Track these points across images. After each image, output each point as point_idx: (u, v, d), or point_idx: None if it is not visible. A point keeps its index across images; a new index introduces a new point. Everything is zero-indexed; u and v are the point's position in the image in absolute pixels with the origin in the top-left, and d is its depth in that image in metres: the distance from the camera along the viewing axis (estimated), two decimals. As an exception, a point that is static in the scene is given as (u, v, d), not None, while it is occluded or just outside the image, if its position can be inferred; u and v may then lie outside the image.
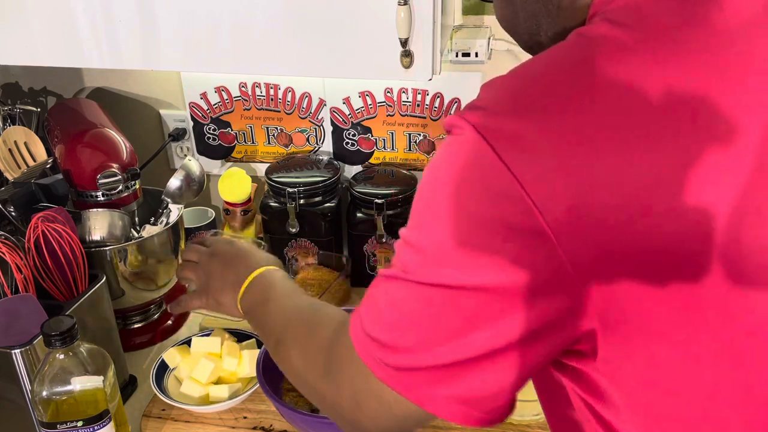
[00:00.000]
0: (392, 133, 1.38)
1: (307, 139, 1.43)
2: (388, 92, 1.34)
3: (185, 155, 1.46)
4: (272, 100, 1.39)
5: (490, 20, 1.23)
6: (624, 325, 0.51)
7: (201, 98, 1.41)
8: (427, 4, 0.88)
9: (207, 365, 1.05)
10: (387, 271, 0.58)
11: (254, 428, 1.03)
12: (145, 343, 1.23)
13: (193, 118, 1.44)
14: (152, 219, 1.21)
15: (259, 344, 1.12)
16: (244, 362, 1.08)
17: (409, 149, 1.39)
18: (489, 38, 1.20)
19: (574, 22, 0.59)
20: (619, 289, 0.50)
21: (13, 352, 0.89)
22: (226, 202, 1.38)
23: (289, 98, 1.38)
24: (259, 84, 1.38)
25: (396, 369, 0.56)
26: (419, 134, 1.37)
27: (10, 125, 1.19)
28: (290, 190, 1.29)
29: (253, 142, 1.45)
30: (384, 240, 1.30)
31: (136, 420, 1.05)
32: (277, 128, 1.42)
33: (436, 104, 1.33)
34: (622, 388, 0.55)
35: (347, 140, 1.41)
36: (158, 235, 1.15)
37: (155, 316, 1.27)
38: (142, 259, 1.14)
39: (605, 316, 0.51)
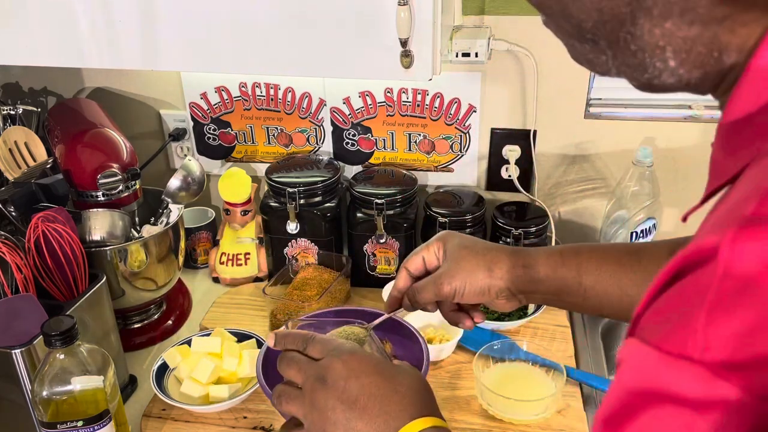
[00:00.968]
0: (392, 133, 1.38)
1: (307, 139, 1.43)
2: (388, 92, 1.34)
3: (185, 155, 1.46)
4: (272, 100, 1.39)
5: (490, 20, 1.23)
6: None
7: (201, 98, 1.41)
8: (427, 4, 0.88)
9: (207, 365, 1.05)
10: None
11: (254, 428, 1.03)
12: (145, 343, 1.23)
13: (193, 118, 1.44)
14: (152, 219, 1.21)
15: (259, 344, 1.12)
16: (244, 362, 1.08)
17: (409, 149, 1.39)
18: (489, 38, 1.20)
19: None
20: None
21: (13, 352, 0.89)
22: (226, 202, 1.38)
23: (289, 98, 1.38)
24: (259, 84, 1.38)
25: None
26: (419, 134, 1.37)
27: (10, 125, 1.19)
28: (290, 190, 1.29)
29: (253, 142, 1.45)
30: (384, 240, 1.30)
31: (136, 420, 1.05)
32: (277, 128, 1.42)
33: (436, 104, 1.33)
34: None
35: (347, 140, 1.41)
36: (158, 235, 1.15)
37: (155, 316, 1.27)
38: (142, 259, 1.14)
39: None
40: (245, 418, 1.05)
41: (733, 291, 0.34)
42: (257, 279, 1.42)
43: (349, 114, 1.38)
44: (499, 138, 1.34)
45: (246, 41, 0.96)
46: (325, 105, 1.38)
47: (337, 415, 0.62)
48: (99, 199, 1.18)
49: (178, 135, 1.45)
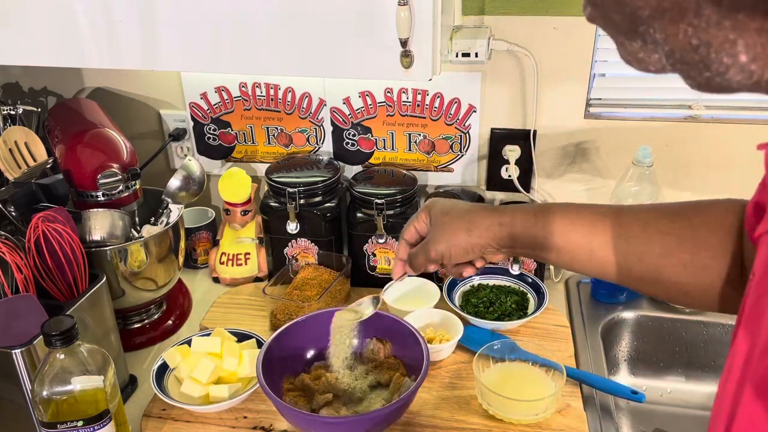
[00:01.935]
0: (392, 133, 1.38)
1: (307, 139, 1.43)
2: (388, 92, 1.34)
3: (185, 155, 1.46)
4: (272, 100, 1.39)
5: (490, 20, 1.23)
6: None
7: (201, 98, 1.41)
8: (427, 4, 0.88)
9: (207, 365, 1.05)
10: None
11: (254, 428, 1.03)
12: (145, 343, 1.23)
13: (193, 118, 1.44)
14: (152, 219, 1.21)
15: (259, 344, 1.12)
16: (244, 362, 1.08)
17: (409, 149, 1.39)
18: (489, 38, 1.20)
19: None
20: None
21: (13, 352, 0.89)
22: (226, 202, 1.38)
23: (289, 98, 1.38)
24: (259, 84, 1.38)
25: None
26: (419, 134, 1.37)
27: (10, 125, 1.19)
28: (290, 190, 1.29)
29: (253, 142, 1.45)
30: (384, 240, 1.30)
31: (136, 420, 1.05)
32: (277, 128, 1.42)
33: (436, 104, 1.33)
34: None
35: (347, 140, 1.41)
36: (158, 235, 1.15)
37: (155, 316, 1.27)
38: (142, 259, 1.14)
39: None
40: (245, 418, 1.05)
41: None
42: (257, 279, 1.42)
43: (349, 114, 1.38)
44: (499, 138, 1.34)
45: (246, 41, 0.96)
46: (325, 105, 1.38)
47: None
48: (99, 199, 1.18)
49: (178, 135, 1.45)
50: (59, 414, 0.86)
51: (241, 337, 1.14)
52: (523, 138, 1.32)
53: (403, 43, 0.90)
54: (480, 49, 1.18)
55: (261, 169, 1.46)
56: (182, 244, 1.24)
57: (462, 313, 1.20)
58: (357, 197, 1.30)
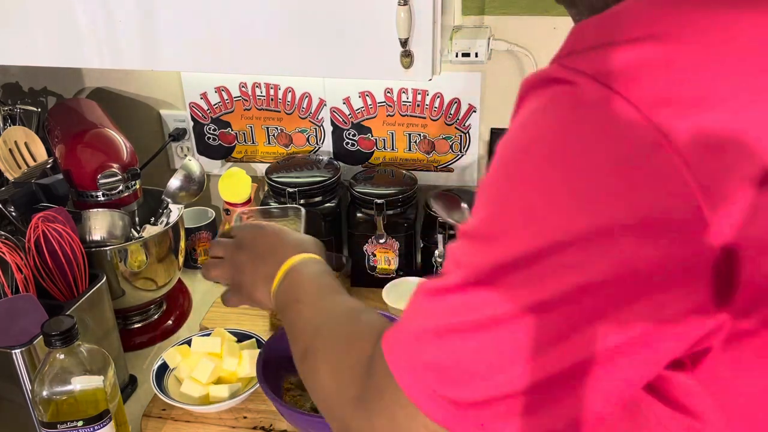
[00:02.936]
0: (392, 133, 1.38)
1: (307, 139, 1.43)
2: (388, 92, 1.34)
3: (185, 155, 1.46)
4: (272, 100, 1.39)
5: (490, 20, 1.23)
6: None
7: (201, 98, 1.41)
8: (427, 4, 0.88)
9: (207, 365, 1.05)
10: (436, 282, 0.48)
11: (254, 428, 1.03)
12: (145, 343, 1.23)
13: (193, 118, 1.44)
14: (152, 219, 1.21)
15: (259, 344, 1.12)
16: (244, 362, 1.08)
17: (409, 149, 1.39)
18: (489, 38, 1.20)
19: None
20: None
21: (13, 352, 0.89)
22: (226, 202, 1.38)
23: (289, 98, 1.38)
24: (259, 84, 1.38)
25: (457, 404, 0.46)
26: (419, 134, 1.37)
27: (10, 125, 1.19)
28: (290, 190, 1.29)
29: (253, 142, 1.45)
30: (384, 240, 1.30)
31: (136, 420, 1.05)
32: (277, 128, 1.42)
33: (436, 104, 1.33)
34: (725, 409, 0.46)
35: (347, 140, 1.41)
36: (158, 235, 1.15)
37: (155, 316, 1.27)
38: (142, 259, 1.14)
39: (747, 306, 0.41)
40: (245, 418, 1.05)
41: None
42: (257, 279, 1.42)
43: (349, 114, 1.38)
44: (499, 138, 1.34)
45: (246, 41, 0.96)
46: (325, 105, 1.38)
47: (247, 265, 0.84)
48: (99, 199, 1.18)
49: (178, 135, 1.45)
50: (59, 414, 0.86)
51: (241, 337, 1.14)
52: (523, 138, 1.32)
53: (403, 43, 0.90)
54: (480, 49, 1.18)
55: (261, 169, 1.46)
56: (182, 244, 1.24)
57: (462, 313, 1.20)
58: (357, 197, 1.30)
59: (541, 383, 0.44)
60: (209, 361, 1.06)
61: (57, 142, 1.20)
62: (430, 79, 0.94)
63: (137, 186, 1.21)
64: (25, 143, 1.16)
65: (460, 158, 1.38)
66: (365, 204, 1.29)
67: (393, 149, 1.40)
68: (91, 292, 1.01)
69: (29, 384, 0.90)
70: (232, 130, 1.44)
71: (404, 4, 0.87)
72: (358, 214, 1.31)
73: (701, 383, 0.46)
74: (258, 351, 1.05)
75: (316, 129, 1.41)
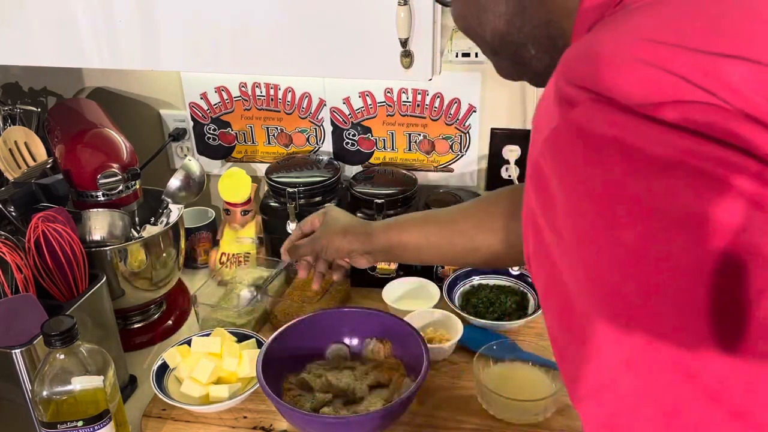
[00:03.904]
0: (392, 133, 1.38)
1: (307, 139, 1.43)
2: (388, 92, 1.34)
3: (185, 155, 1.47)
4: (272, 100, 1.39)
5: (490, 20, 1.23)
6: None
7: (201, 98, 1.41)
8: (427, 4, 0.88)
9: (207, 365, 1.05)
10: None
11: (254, 428, 1.03)
12: (145, 343, 1.23)
13: (193, 118, 1.44)
14: (152, 219, 1.21)
15: (259, 344, 1.12)
16: (244, 362, 1.08)
17: (409, 149, 1.39)
18: (489, 38, 1.20)
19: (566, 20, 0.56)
20: None
21: (13, 352, 0.89)
22: (226, 202, 1.38)
23: (289, 98, 1.38)
24: (259, 84, 1.38)
25: None
26: (419, 134, 1.37)
27: (10, 125, 1.19)
28: (290, 190, 1.29)
29: (253, 142, 1.45)
30: (384, 240, 1.30)
31: (136, 420, 1.05)
32: (277, 128, 1.42)
33: (436, 104, 1.33)
34: None
35: (347, 140, 1.41)
36: (158, 235, 1.15)
37: (155, 316, 1.27)
38: (142, 259, 1.14)
39: None
40: (245, 418, 1.05)
41: None
42: (257, 279, 1.42)
43: (349, 114, 1.38)
44: (499, 138, 1.34)
45: (246, 41, 0.96)
46: (325, 105, 1.38)
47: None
48: (99, 199, 1.18)
49: (178, 135, 1.45)
50: (59, 414, 0.86)
51: (241, 337, 1.14)
52: (523, 138, 1.32)
53: (403, 43, 0.90)
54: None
55: (261, 169, 1.46)
56: (182, 244, 1.24)
57: (462, 313, 1.20)
58: (357, 197, 1.30)
59: None
60: (209, 361, 1.06)
61: (57, 142, 1.20)
62: (430, 79, 0.94)
63: (137, 186, 1.21)
64: (25, 143, 1.16)
65: (460, 158, 1.38)
66: (365, 204, 1.29)
67: (393, 149, 1.40)
68: (91, 292, 1.01)
69: (29, 384, 0.90)
70: (232, 130, 1.44)
71: (404, 4, 0.87)
72: (358, 214, 1.31)
73: None
74: (258, 351, 1.05)
75: (316, 129, 1.41)
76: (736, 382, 0.39)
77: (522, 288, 1.28)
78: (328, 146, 1.43)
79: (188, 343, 1.12)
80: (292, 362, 1.06)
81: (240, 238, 1.40)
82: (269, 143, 1.44)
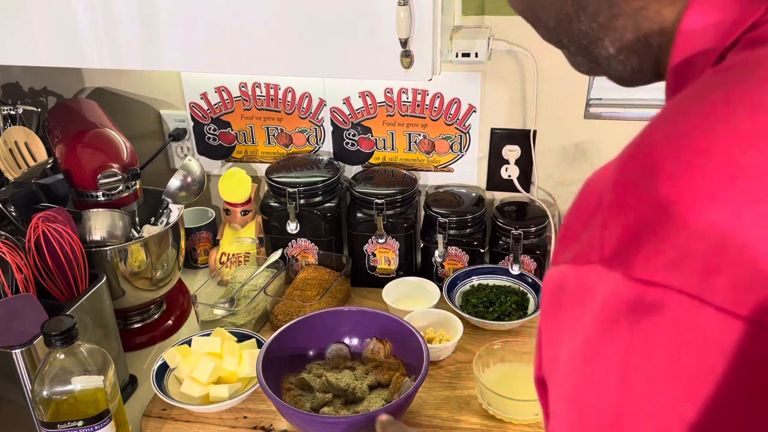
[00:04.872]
0: (392, 133, 1.38)
1: (307, 139, 1.43)
2: (388, 92, 1.34)
3: (185, 155, 1.46)
4: (272, 100, 1.39)
5: (490, 20, 1.23)
6: None
7: (201, 98, 1.41)
8: (427, 4, 0.88)
9: (207, 365, 1.05)
10: None
11: (254, 428, 1.03)
12: (145, 343, 1.23)
13: (193, 118, 1.44)
14: (152, 219, 1.21)
15: (259, 344, 1.12)
16: (244, 362, 1.08)
17: (409, 149, 1.39)
18: (489, 38, 1.20)
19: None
20: None
21: (13, 352, 0.89)
22: (226, 202, 1.38)
23: (289, 98, 1.38)
24: (259, 84, 1.38)
25: None
26: (419, 134, 1.37)
27: (10, 125, 1.19)
28: (290, 190, 1.29)
29: (253, 142, 1.45)
30: (384, 240, 1.30)
31: (137, 420, 1.05)
32: (277, 128, 1.42)
33: (436, 104, 1.33)
34: None
35: (347, 140, 1.41)
36: (158, 235, 1.15)
37: (155, 316, 1.27)
38: (142, 259, 1.14)
39: None
40: (245, 418, 1.05)
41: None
42: (257, 279, 1.42)
43: (349, 114, 1.38)
44: (499, 138, 1.34)
45: (246, 41, 0.96)
46: (325, 105, 1.38)
47: None
48: (99, 199, 1.18)
49: (178, 135, 1.45)
50: (59, 414, 0.86)
51: (241, 337, 1.14)
52: (523, 138, 1.32)
53: (403, 43, 0.90)
54: (480, 50, 1.18)
55: (261, 169, 1.46)
56: (182, 244, 1.24)
57: (462, 313, 1.20)
58: (357, 197, 1.30)
59: None
60: (209, 361, 1.06)
61: (57, 142, 1.20)
62: (430, 79, 0.94)
63: (137, 186, 1.21)
64: (25, 143, 1.16)
65: (460, 158, 1.38)
66: (365, 204, 1.29)
67: (393, 149, 1.40)
68: (91, 292, 1.01)
69: (29, 384, 0.90)
70: (232, 130, 1.44)
71: (404, 4, 0.87)
72: (358, 214, 1.31)
73: None
74: (258, 351, 1.05)
75: (316, 129, 1.41)
76: None
77: (522, 288, 1.28)
78: (328, 146, 1.43)
79: (188, 343, 1.12)
80: (292, 362, 1.06)
81: (240, 238, 1.40)
82: (269, 143, 1.44)
